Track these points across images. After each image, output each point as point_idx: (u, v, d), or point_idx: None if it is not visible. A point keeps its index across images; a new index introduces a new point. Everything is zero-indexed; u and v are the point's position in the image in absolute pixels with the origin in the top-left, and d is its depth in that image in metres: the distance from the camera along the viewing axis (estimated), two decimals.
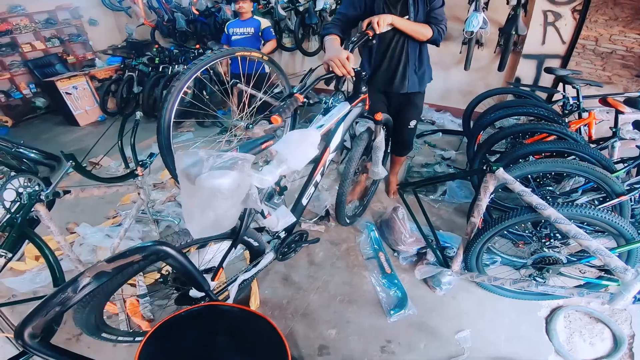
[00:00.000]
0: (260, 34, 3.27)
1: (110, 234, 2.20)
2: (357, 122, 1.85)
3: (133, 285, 1.85)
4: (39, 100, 5.14)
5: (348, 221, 2.10)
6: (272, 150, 1.12)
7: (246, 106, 1.77)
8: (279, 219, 1.33)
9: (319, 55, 4.16)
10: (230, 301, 1.39)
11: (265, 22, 3.28)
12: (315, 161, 1.50)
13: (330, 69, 1.45)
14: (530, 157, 1.95)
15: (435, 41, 1.77)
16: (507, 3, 2.87)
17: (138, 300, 1.72)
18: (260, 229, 1.54)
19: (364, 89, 1.61)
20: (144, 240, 2.23)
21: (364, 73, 1.57)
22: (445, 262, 1.84)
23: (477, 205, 1.51)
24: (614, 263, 1.16)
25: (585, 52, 3.05)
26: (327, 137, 1.52)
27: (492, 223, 1.51)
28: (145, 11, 5.17)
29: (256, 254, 1.52)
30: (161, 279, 1.35)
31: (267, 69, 3.26)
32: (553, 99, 2.84)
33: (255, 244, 1.45)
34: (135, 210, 2.01)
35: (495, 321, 1.70)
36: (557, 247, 1.60)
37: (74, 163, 1.52)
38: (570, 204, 1.37)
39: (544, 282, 1.55)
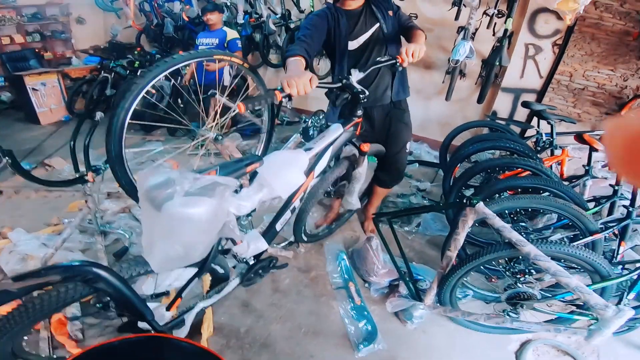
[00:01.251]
0: (225, 45, 3.27)
1: (48, 242, 1.99)
2: (346, 145, 1.74)
3: None
4: (4, 94, 4.86)
5: (305, 239, 1.99)
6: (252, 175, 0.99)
7: (217, 117, 1.66)
8: (249, 244, 1.20)
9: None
10: (183, 331, 1.21)
11: (232, 34, 3.30)
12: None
13: (284, 87, 1.20)
14: (505, 192, 1.94)
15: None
16: (494, 34, 2.96)
17: (66, 318, 1.51)
18: (225, 252, 1.37)
19: (359, 112, 1.54)
20: (84, 252, 2.01)
21: (362, 95, 1.46)
22: (417, 295, 1.76)
23: (454, 239, 1.46)
24: (593, 300, 1.13)
25: (560, 87, 3.16)
26: (312, 163, 1.41)
27: (469, 258, 1.45)
28: (135, 13, 5.07)
29: (219, 280, 1.37)
30: (99, 304, 1.15)
31: (226, 82, 3.14)
32: (526, 135, 2.93)
33: (220, 270, 1.30)
34: (79, 219, 1.82)
35: (466, 356, 1.65)
36: (531, 282, 1.57)
37: (10, 160, 1.34)
38: (547, 240, 1.33)
39: (517, 318, 1.51)
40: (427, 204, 2.73)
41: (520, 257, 1.53)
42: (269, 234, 1.41)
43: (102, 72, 4.30)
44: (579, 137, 1.94)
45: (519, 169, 2.02)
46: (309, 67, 1.56)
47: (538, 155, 2.18)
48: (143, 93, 1.13)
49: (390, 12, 1.77)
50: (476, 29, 3.02)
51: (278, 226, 1.42)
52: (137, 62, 4.28)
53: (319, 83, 1.29)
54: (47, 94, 4.37)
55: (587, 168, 1.96)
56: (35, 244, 1.99)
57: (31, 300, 0.73)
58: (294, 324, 1.71)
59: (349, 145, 1.71)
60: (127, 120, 1.10)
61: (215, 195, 0.72)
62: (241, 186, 0.99)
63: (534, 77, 3.22)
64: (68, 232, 1.90)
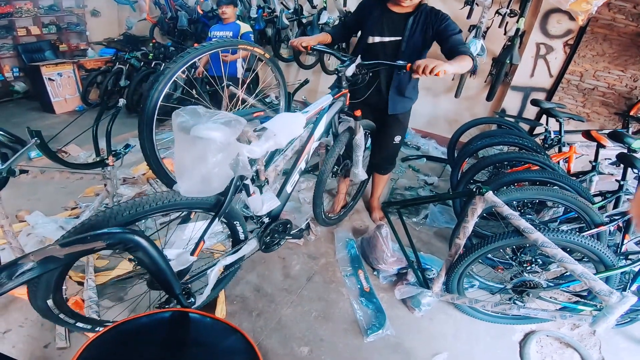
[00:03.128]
0: (239, 38, 3.27)
1: (65, 226, 2.03)
2: (340, 122, 1.88)
3: (80, 283, 1.69)
4: (18, 84, 4.95)
5: (323, 217, 2.10)
6: (260, 130, 1.19)
7: (239, 107, 1.72)
8: (264, 202, 1.35)
9: (314, 69, 4.20)
10: (207, 289, 1.31)
11: (245, 27, 3.29)
12: (300, 149, 1.61)
13: (293, 44, 1.79)
14: (513, 184, 1.98)
15: (474, 69, 1.80)
16: (505, 33, 2.98)
17: (83, 300, 1.56)
18: (245, 218, 1.52)
19: (344, 84, 1.67)
20: None
21: (339, 70, 1.63)
22: (425, 283, 1.82)
23: (463, 227, 1.51)
24: (598, 286, 1.17)
25: (569, 87, 3.18)
26: (311, 127, 1.61)
27: (477, 245, 1.50)
28: (149, 6, 5.13)
29: (238, 242, 1.48)
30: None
31: (239, 74, 3.20)
32: (535, 132, 2.95)
33: (240, 228, 1.43)
34: (98, 203, 1.89)
35: (471, 344, 1.69)
36: (537, 272, 1.63)
37: (39, 140, 1.40)
38: (555, 229, 1.37)
39: (523, 306, 1.57)
40: (442, 216, 2.71)
41: (527, 246, 1.58)
42: (282, 194, 1.58)
43: (117, 63, 4.39)
44: (587, 134, 1.98)
45: (527, 164, 2.06)
46: (334, 43, 1.97)
47: (546, 152, 2.21)
48: (175, 77, 1.19)
49: (429, 33, 1.73)
50: (487, 28, 3.05)
51: (289, 187, 1.60)
52: (152, 55, 4.36)
53: (317, 46, 1.74)
54: (62, 84, 4.46)
55: (594, 164, 2.00)
56: (53, 227, 2.03)
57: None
58: (305, 309, 1.77)
59: (343, 121, 1.87)
60: (159, 102, 1.16)
61: (230, 126, 0.94)
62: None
63: (544, 76, 3.24)
64: (87, 215, 1.95)
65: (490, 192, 1.38)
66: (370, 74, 1.68)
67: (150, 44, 4.51)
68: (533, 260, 1.61)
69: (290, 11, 4.01)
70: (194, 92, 3.69)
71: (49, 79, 4.34)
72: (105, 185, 1.92)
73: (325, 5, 3.82)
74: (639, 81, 2.96)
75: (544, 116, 2.59)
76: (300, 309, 1.77)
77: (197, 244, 1.21)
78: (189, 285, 1.35)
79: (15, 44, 4.95)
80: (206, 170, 0.93)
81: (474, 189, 1.39)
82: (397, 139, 2.13)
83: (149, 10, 5.15)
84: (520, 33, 2.90)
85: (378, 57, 1.80)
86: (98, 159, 1.82)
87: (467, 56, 1.58)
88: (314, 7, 3.95)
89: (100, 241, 0.79)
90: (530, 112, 3.33)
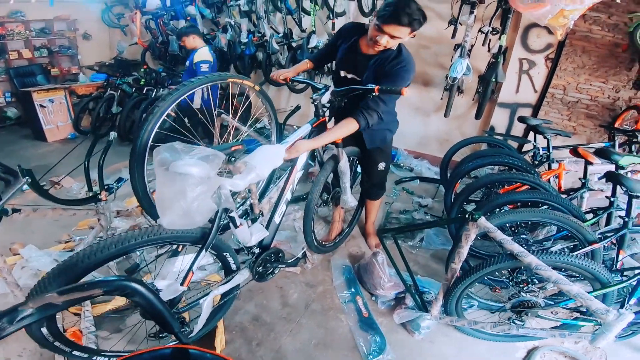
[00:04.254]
0: (193, 67, 3.12)
1: (59, 259, 2.02)
2: (324, 150, 1.91)
3: (77, 314, 1.69)
4: (10, 110, 4.89)
5: (315, 244, 2.08)
6: (241, 163, 1.25)
7: (231, 138, 1.74)
8: (252, 233, 1.40)
9: (305, 92, 4.26)
10: (201, 318, 1.32)
11: (200, 55, 3.13)
12: (285, 180, 1.65)
13: (273, 78, 1.92)
14: (506, 206, 2.01)
15: (363, 130, 1.71)
16: (489, 51, 3.05)
17: (81, 332, 1.57)
18: (238, 251, 1.55)
19: (321, 111, 1.69)
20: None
21: (314, 99, 1.64)
22: (424, 306, 1.82)
23: (458, 252, 1.53)
24: (595, 306, 1.19)
25: (554, 101, 3.24)
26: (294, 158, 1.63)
27: (473, 270, 1.51)
28: (141, 30, 5.17)
29: (230, 272, 1.51)
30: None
31: (196, 104, 3.06)
32: (524, 149, 3.01)
33: (230, 260, 1.46)
34: (92, 237, 1.88)
35: None
36: (535, 291, 1.64)
37: (30, 180, 1.40)
38: (548, 251, 1.39)
39: (523, 325, 1.57)
40: (430, 220, 2.78)
41: (523, 267, 1.59)
42: (270, 225, 1.61)
43: (109, 89, 4.40)
44: (574, 151, 2.03)
45: (518, 184, 2.10)
46: (316, 68, 2.10)
47: (536, 169, 2.26)
48: (164, 116, 1.21)
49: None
50: (472, 46, 3.12)
51: (277, 218, 1.64)
52: (143, 80, 4.36)
53: (296, 78, 1.86)
54: (54, 111, 4.42)
55: (583, 181, 2.04)
56: (47, 260, 2.02)
57: None
58: (304, 337, 1.75)
59: (328, 149, 1.90)
60: (150, 141, 1.17)
61: (207, 161, 1.00)
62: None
63: (529, 92, 3.32)
64: (81, 249, 1.94)
65: (483, 218, 1.40)
66: (346, 100, 1.68)
67: (142, 70, 4.53)
68: (529, 280, 1.63)
69: (280, 35, 4.09)
70: (186, 121, 3.70)
71: (41, 105, 4.30)
72: (98, 219, 1.91)
73: (314, 29, 3.91)
74: (621, 92, 3.02)
75: (532, 133, 2.66)
76: (300, 337, 1.75)
77: (186, 275, 1.23)
78: (183, 315, 1.37)
79: (7, 67, 4.91)
80: (186, 204, 0.99)
81: (467, 215, 1.41)
82: (382, 165, 2.12)
83: (140, 34, 5.19)
84: (503, 50, 2.98)
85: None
86: (91, 194, 1.82)
87: (354, 121, 1.60)
88: (303, 31, 4.02)
89: (97, 289, 0.79)
90: (519, 128, 3.39)
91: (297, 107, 3.11)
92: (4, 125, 4.85)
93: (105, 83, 4.69)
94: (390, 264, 2.01)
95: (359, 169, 2.27)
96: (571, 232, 1.66)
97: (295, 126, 4.47)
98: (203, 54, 3.17)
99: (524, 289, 1.64)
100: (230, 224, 1.31)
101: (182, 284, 1.19)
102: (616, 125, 2.99)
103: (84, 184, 3.00)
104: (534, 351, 1.72)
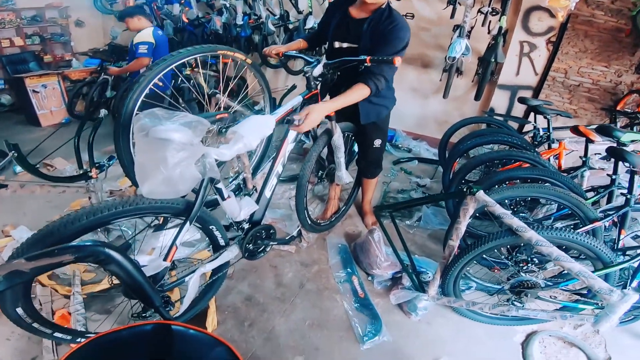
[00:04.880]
0: (133, 49, 2.96)
1: None
2: (318, 125, 1.83)
3: (67, 296, 1.66)
4: (4, 97, 4.86)
5: (309, 222, 2.03)
6: (230, 133, 1.21)
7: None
8: (242, 207, 1.35)
9: (301, 75, 4.18)
10: (187, 297, 1.26)
11: (140, 36, 2.93)
12: (276, 153, 1.59)
13: (265, 53, 1.90)
14: (504, 184, 1.96)
15: (375, 95, 1.68)
16: (489, 32, 2.99)
17: (70, 314, 1.54)
18: (227, 227, 1.50)
19: (313, 84, 1.65)
20: None
21: (306, 71, 1.60)
22: (421, 286, 1.79)
23: (456, 228, 1.48)
24: (598, 285, 1.14)
25: (555, 84, 3.19)
26: (284, 129, 1.58)
27: (471, 247, 1.47)
28: None
29: (218, 248, 1.45)
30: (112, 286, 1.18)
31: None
32: (524, 130, 2.96)
33: (217, 234, 1.40)
34: None
35: (471, 348, 1.65)
36: (534, 271, 1.60)
37: (16, 154, 1.35)
38: (549, 227, 1.34)
39: (522, 307, 1.53)
40: (435, 218, 2.64)
41: (522, 245, 1.55)
42: (261, 199, 1.56)
43: (102, 74, 4.32)
44: (575, 130, 1.97)
45: (518, 162, 2.05)
46: (310, 48, 2.01)
47: (536, 149, 2.20)
48: (151, 85, 1.17)
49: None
50: (472, 27, 3.06)
51: (267, 192, 1.58)
52: None
53: (288, 52, 1.80)
54: (47, 96, 4.38)
55: (584, 159, 1.99)
56: None
57: None
58: (298, 318, 1.72)
59: (322, 124, 1.80)
60: (135, 110, 1.13)
61: (190, 127, 0.93)
62: None
63: (530, 74, 3.26)
64: None
65: (482, 191, 1.35)
66: (339, 73, 1.65)
67: None
68: (529, 259, 1.59)
69: (276, 17, 4.00)
70: (180, 101, 3.62)
71: (34, 90, 4.25)
72: (89, 198, 1.87)
73: (311, 10, 3.82)
74: (623, 76, 2.98)
75: (532, 114, 2.60)
76: (294, 317, 1.72)
77: (169, 250, 1.17)
78: (168, 294, 1.31)
79: None
80: (167, 171, 0.93)
81: (465, 189, 1.37)
82: (378, 142, 2.07)
83: None
84: (503, 32, 2.91)
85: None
86: (81, 172, 1.77)
87: (365, 86, 1.57)
88: (300, 12, 3.94)
89: (68, 254, 0.74)
90: (518, 110, 3.34)
91: (293, 87, 3.04)
92: None
93: (98, 68, 4.60)
94: (387, 242, 1.98)
95: (355, 148, 2.21)
96: (572, 209, 1.62)
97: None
98: (144, 35, 2.96)
99: (524, 268, 1.60)
100: (217, 196, 1.26)
101: (165, 259, 1.14)
102: (618, 108, 2.96)
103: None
104: (533, 335, 1.69)
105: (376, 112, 1.94)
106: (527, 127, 2.82)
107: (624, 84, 2.98)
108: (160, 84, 3.52)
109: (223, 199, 1.26)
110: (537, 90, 3.28)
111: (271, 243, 1.63)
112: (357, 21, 1.72)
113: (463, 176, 2.11)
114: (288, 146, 1.59)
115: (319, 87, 1.68)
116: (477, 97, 3.23)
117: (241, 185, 1.45)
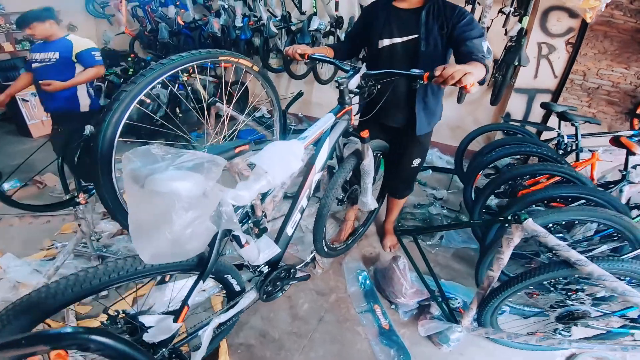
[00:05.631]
0: (74, 59, 2.39)
1: (40, 269, 1.84)
2: (345, 144, 1.66)
3: None
4: None
5: (326, 249, 1.80)
6: (246, 166, 1.00)
7: (225, 130, 1.49)
8: (261, 250, 1.13)
9: (307, 79, 3.99)
10: (201, 352, 1.09)
11: (82, 44, 2.43)
12: (300, 183, 1.33)
13: (288, 53, 1.56)
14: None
15: (483, 81, 1.56)
16: (505, 34, 2.83)
17: (67, 352, 1.33)
18: (240, 266, 1.29)
19: (347, 99, 1.41)
20: None
21: (340, 82, 1.35)
22: (452, 315, 1.63)
23: (497, 258, 1.32)
24: None
25: (573, 87, 3.05)
26: (311, 155, 1.35)
27: (517, 279, 1.31)
28: (128, 19, 4.87)
29: (234, 294, 1.26)
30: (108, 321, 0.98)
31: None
32: (545, 137, 2.79)
33: (233, 281, 1.21)
34: (73, 244, 1.66)
35: None
36: (583, 298, 1.43)
37: None
38: (611, 258, 1.18)
39: (570, 336, 1.40)
40: (457, 221, 2.49)
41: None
42: (282, 238, 1.32)
43: (95, 80, 4.12)
44: (616, 141, 1.81)
45: (545, 176, 1.88)
46: (338, 56, 1.67)
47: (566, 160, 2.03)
48: (135, 103, 0.94)
49: (444, 30, 1.46)
50: (487, 28, 2.89)
51: (289, 229, 1.33)
52: (132, 70, 4.10)
53: (315, 55, 1.49)
54: (37, 105, 4.14)
55: (624, 173, 1.83)
56: (27, 270, 1.84)
57: None
58: (319, 355, 1.56)
59: (350, 143, 1.63)
60: (117, 137, 0.90)
61: (202, 171, 0.70)
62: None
63: (549, 77, 3.11)
64: (61, 258, 1.74)
65: (530, 220, 1.18)
66: (379, 86, 1.43)
67: (129, 59, 4.25)
68: (579, 288, 1.42)
69: (277, 19, 3.80)
70: (177, 110, 3.39)
71: (23, 99, 4.03)
72: (79, 225, 1.68)
73: (315, 10, 3.63)
74: None
75: (553, 119, 2.44)
76: (314, 354, 1.56)
77: (180, 308, 0.98)
78: (180, 348, 1.12)
79: None
80: (173, 233, 0.69)
81: (510, 217, 1.20)
82: (417, 161, 1.86)
83: (128, 23, 4.90)
84: (523, 33, 2.74)
85: (392, 64, 1.55)
86: (67, 197, 1.57)
87: (483, 65, 1.27)
88: (303, 13, 3.75)
89: (42, 345, 0.55)
90: (536, 115, 3.18)
91: (300, 93, 2.83)
92: None
93: None
94: (411, 266, 1.82)
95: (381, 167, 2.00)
96: (621, 232, 1.45)
97: (300, 114, 4.27)
98: (84, 41, 2.49)
99: (572, 297, 1.43)
100: (234, 243, 1.06)
101: (175, 320, 0.95)
102: (638, 112, 2.84)
103: (71, 182, 2.76)
104: (573, 358, 1.58)
105: (430, 122, 1.73)
106: (548, 135, 2.65)
107: None
108: (149, 100, 3.29)
109: (241, 246, 1.06)
110: (556, 94, 3.13)
111: (291, 282, 1.43)
112: (409, 12, 1.52)
113: (490, 193, 1.93)
114: (315, 176, 1.32)
115: (353, 101, 1.45)
116: (494, 102, 3.06)
117: (248, 213, 1.22)
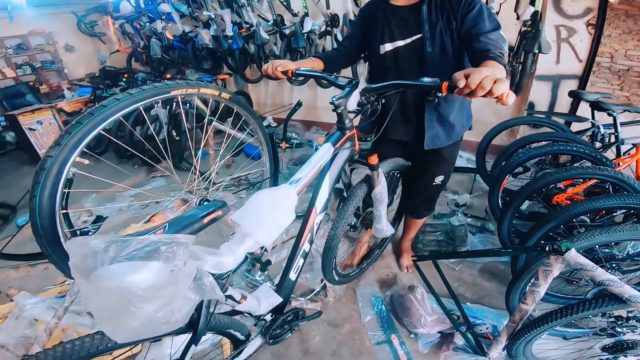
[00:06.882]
0: None
1: (55, 305, 1.74)
2: (352, 170, 1.44)
3: None
4: (9, 134, 4.60)
5: (337, 278, 1.61)
6: (230, 222, 0.83)
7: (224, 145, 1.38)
8: (261, 301, 1.03)
9: (308, 83, 3.82)
10: None
11: None
12: (300, 228, 1.15)
13: (266, 72, 1.33)
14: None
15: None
16: (517, 18, 2.56)
17: None
18: (235, 313, 1.13)
19: (347, 123, 1.19)
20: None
21: (336, 104, 1.12)
22: (480, 347, 1.44)
23: (532, 291, 1.13)
24: None
25: (601, 70, 2.76)
26: (311, 195, 1.16)
27: (558, 314, 1.10)
28: (118, 37, 4.82)
29: (238, 342, 1.14)
30: None
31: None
32: (575, 127, 2.51)
33: (235, 332, 1.08)
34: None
35: None
36: (635, 326, 1.22)
37: None
38: None
39: None
40: (483, 230, 2.21)
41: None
42: (284, 285, 1.17)
43: (96, 103, 4.09)
44: None
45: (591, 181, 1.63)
46: (328, 71, 1.45)
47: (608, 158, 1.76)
48: (69, 167, 0.81)
49: (452, 24, 1.23)
50: (496, 13, 2.61)
51: (292, 275, 1.18)
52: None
53: (300, 70, 1.27)
54: (45, 133, 4.16)
55: None
56: (43, 306, 1.76)
57: None
58: None
59: (358, 168, 1.40)
60: (58, 207, 0.80)
61: (159, 257, 0.59)
62: None
63: (572, 62, 2.83)
64: (69, 299, 1.66)
65: (574, 250, 0.98)
66: (383, 100, 1.22)
67: (124, 79, 4.18)
68: (632, 316, 1.21)
69: (269, 23, 3.61)
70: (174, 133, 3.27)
71: (30, 128, 4.02)
72: None
73: (306, 10, 3.40)
74: None
75: (583, 108, 2.17)
76: None
77: None
78: None
79: None
80: (140, 321, 0.58)
81: (548, 248, 1.00)
82: (439, 179, 1.62)
83: (118, 40, 4.85)
84: (538, 16, 2.46)
85: (398, 72, 1.35)
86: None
87: (502, 66, 1.06)
88: (294, 15, 3.53)
89: None
90: (563, 104, 2.90)
91: (299, 104, 2.66)
92: (5, 150, 4.62)
93: (91, 97, 4.36)
94: (430, 293, 1.64)
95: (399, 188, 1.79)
96: None
97: (314, 133, 4.08)
98: None
99: (621, 324, 1.22)
100: (229, 300, 0.92)
101: None
102: None
103: (80, 214, 2.66)
104: None
105: (448, 135, 1.46)
106: (579, 126, 2.38)
107: None
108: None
109: (237, 302, 0.93)
110: (583, 79, 2.84)
111: (300, 323, 1.27)
112: (409, 8, 1.30)
113: (521, 202, 1.70)
114: (316, 217, 1.15)
115: (353, 121, 1.24)
116: (516, 92, 2.78)
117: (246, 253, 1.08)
